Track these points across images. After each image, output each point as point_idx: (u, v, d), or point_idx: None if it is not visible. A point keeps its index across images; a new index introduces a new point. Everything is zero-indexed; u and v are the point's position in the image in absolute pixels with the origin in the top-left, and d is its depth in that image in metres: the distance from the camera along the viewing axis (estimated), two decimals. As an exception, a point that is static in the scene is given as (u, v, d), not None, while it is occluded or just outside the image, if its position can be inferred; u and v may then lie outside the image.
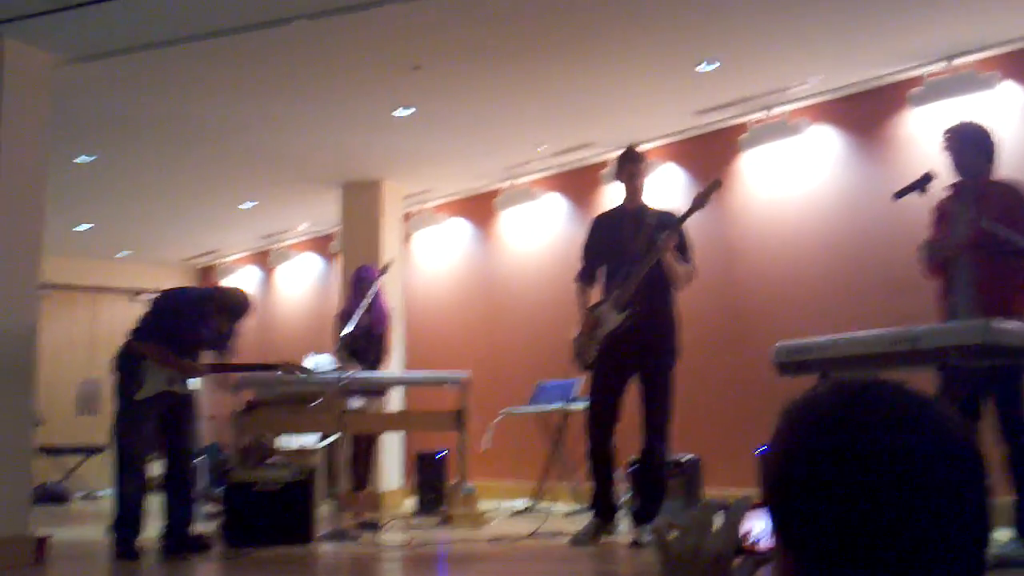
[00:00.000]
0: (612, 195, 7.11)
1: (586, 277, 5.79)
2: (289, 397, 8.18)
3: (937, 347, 3.93)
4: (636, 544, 5.31)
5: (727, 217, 7.67)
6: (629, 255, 5.51)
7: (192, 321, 5.62)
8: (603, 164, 8.39)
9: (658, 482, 5.54)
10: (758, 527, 1.21)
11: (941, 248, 4.67)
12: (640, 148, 5.80)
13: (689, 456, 6.36)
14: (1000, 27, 6.03)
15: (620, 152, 5.83)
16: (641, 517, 5.48)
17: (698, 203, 5.43)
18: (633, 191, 5.70)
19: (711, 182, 5.53)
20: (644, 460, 5.52)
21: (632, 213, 5.66)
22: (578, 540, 5.46)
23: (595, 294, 5.74)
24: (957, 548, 0.95)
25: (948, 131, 4.77)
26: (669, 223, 5.53)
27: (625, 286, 5.44)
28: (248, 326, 12.32)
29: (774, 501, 1.02)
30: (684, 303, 7.50)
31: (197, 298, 5.80)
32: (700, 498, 6.33)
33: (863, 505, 0.94)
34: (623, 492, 6.06)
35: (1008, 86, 6.26)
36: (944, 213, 4.76)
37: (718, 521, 1.16)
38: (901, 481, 0.94)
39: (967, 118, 4.90)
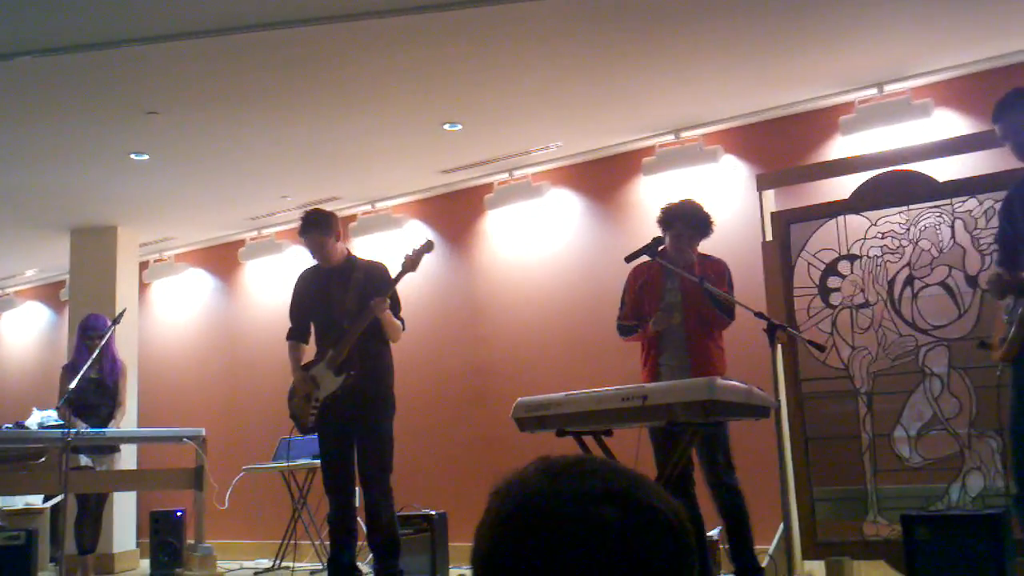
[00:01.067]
0: (358, 249, 7.10)
1: (297, 335, 5.66)
2: (10, 455, 7.65)
3: (665, 403, 4.16)
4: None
5: (473, 274, 7.84)
6: (338, 311, 5.42)
7: None
8: (351, 218, 8.39)
9: (390, 538, 5.38)
10: None
11: (659, 321, 4.92)
12: (312, 218, 5.48)
13: (435, 511, 6.38)
14: (722, 105, 6.51)
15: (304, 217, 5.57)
16: (381, 577, 5.37)
17: (409, 266, 5.40)
18: (328, 254, 5.52)
19: (422, 245, 5.44)
20: (372, 518, 5.35)
21: (338, 269, 5.54)
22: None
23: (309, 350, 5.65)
24: None
25: (676, 210, 5.05)
26: (379, 275, 5.49)
27: (339, 347, 5.33)
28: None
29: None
30: (428, 357, 7.58)
31: None
32: (446, 553, 6.35)
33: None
34: (366, 552, 5.99)
35: (729, 160, 6.76)
36: (646, 282, 5.07)
37: None
38: (601, 556, 0.98)
39: (690, 198, 5.21)
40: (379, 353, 5.44)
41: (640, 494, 1.03)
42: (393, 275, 5.39)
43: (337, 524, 5.45)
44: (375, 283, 5.42)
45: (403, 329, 5.49)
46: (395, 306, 5.46)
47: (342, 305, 5.41)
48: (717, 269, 5.01)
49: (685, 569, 1.03)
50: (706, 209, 5.10)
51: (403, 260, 5.39)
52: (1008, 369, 3.97)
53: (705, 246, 5.10)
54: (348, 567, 5.46)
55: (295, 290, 5.74)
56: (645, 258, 4.84)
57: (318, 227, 5.48)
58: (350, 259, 5.59)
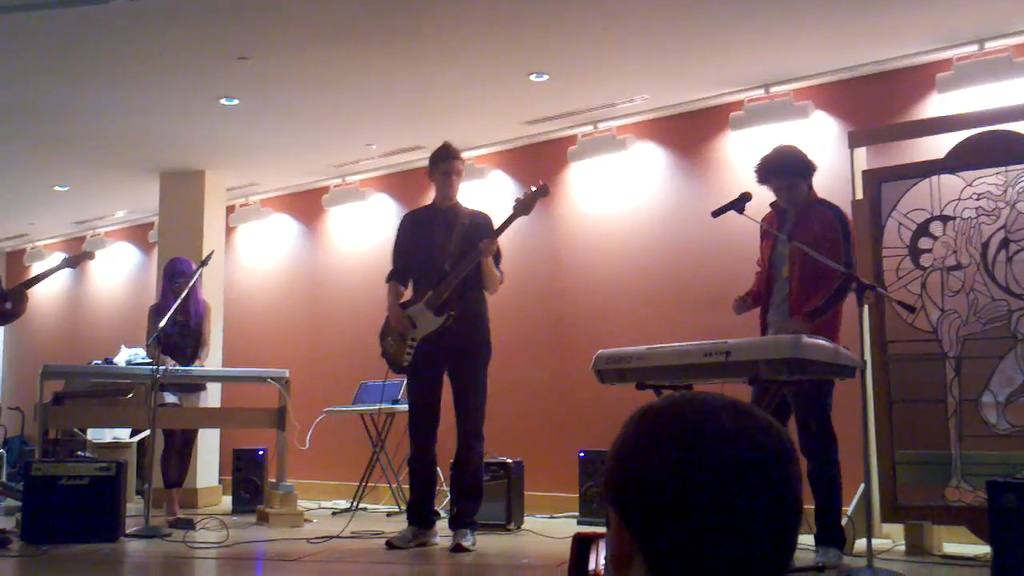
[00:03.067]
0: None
1: (398, 277, 5.70)
2: (100, 390, 7.89)
3: (748, 360, 4.13)
4: (459, 548, 5.25)
5: (554, 227, 7.83)
6: (442, 255, 5.49)
7: None
8: (434, 167, 8.40)
9: (476, 483, 5.49)
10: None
11: (741, 304, 4.98)
12: (454, 146, 5.68)
13: (512, 459, 6.44)
14: (814, 59, 6.37)
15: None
16: (460, 520, 5.44)
17: (522, 209, 5.45)
18: (446, 190, 5.64)
19: (537, 188, 5.49)
20: (462, 461, 5.46)
21: (444, 212, 5.62)
22: (394, 544, 5.41)
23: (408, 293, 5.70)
24: (785, 531, 1.06)
25: (764, 164, 4.93)
26: (483, 224, 5.55)
27: (441, 288, 5.39)
28: (59, 317, 11.84)
29: (625, 497, 1.09)
30: (510, 308, 7.60)
31: None
32: (522, 501, 6.42)
33: (713, 491, 1.03)
34: (443, 497, 6.07)
35: (820, 116, 6.62)
36: (766, 231, 4.98)
37: None
38: (739, 466, 1.04)
39: (779, 144, 5.09)
40: (478, 299, 5.50)
41: (770, 424, 1.11)
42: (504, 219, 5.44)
43: (418, 467, 5.53)
44: (480, 230, 5.46)
45: (501, 282, 5.54)
46: (496, 257, 5.49)
47: (445, 248, 5.47)
48: (823, 219, 4.80)
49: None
50: (797, 151, 4.96)
51: (515, 203, 5.42)
52: None
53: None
54: (426, 511, 5.55)
55: (400, 231, 5.79)
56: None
57: (459, 158, 5.67)
58: (457, 205, 5.64)
